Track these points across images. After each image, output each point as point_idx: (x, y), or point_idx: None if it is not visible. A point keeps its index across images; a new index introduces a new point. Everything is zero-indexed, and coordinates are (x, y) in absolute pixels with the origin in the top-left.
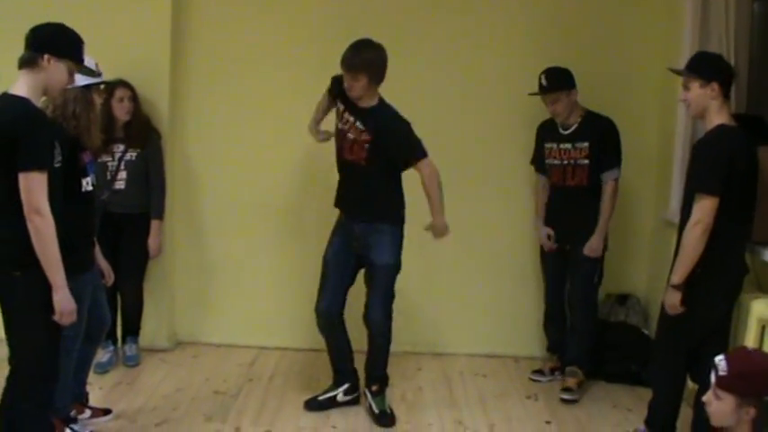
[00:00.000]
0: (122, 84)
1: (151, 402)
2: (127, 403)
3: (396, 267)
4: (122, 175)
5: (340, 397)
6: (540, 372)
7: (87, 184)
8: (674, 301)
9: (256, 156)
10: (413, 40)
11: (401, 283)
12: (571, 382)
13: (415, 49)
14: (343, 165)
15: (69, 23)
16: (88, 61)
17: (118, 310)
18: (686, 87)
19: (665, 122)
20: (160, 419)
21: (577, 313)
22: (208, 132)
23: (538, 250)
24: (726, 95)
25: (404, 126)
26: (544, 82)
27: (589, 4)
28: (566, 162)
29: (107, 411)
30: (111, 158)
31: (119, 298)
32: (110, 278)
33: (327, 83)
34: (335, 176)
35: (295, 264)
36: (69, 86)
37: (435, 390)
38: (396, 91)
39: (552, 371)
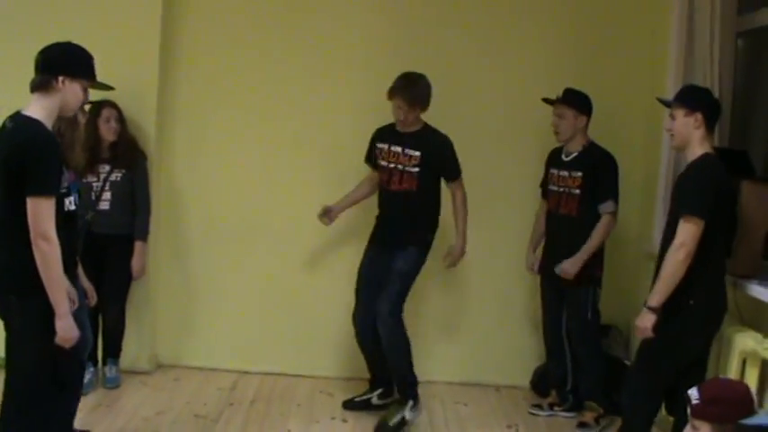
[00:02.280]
0: (109, 104)
1: (131, 425)
2: (106, 426)
3: (412, 276)
4: (107, 195)
5: (374, 400)
6: (539, 406)
7: (70, 203)
8: (647, 323)
9: (241, 179)
10: (410, 56)
11: None
12: (588, 416)
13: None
14: (388, 197)
15: (56, 40)
16: None
17: (99, 331)
18: (672, 117)
19: (649, 156)
20: None
21: (579, 350)
22: (194, 154)
23: (523, 278)
24: (710, 128)
25: (449, 143)
26: (560, 94)
27: (574, 37)
28: (561, 189)
29: None
30: (96, 179)
31: (100, 319)
32: (92, 299)
33: (316, 103)
34: (323, 200)
35: (278, 288)
36: (82, 106)
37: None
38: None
39: (551, 406)
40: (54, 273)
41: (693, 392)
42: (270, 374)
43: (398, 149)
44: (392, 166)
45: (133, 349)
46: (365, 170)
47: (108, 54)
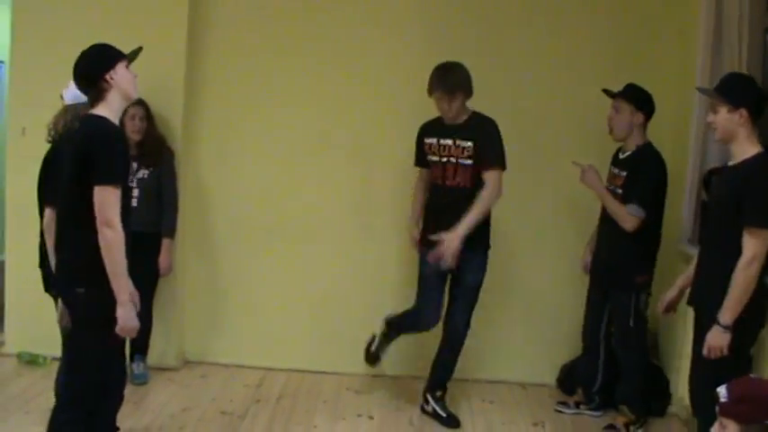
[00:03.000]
0: (136, 101)
1: (158, 421)
2: (134, 422)
3: (480, 286)
4: (135, 193)
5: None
6: (564, 404)
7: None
8: (722, 342)
9: (267, 176)
10: (438, 56)
11: (410, 306)
12: (619, 420)
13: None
14: (443, 193)
15: (85, 44)
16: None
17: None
18: (714, 110)
19: (677, 152)
20: None
21: (620, 355)
22: (221, 152)
23: (551, 275)
24: (756, 121)
25: (496, 130)
26: (620, 87)
27: (604, 36)
28: (611, 188)
29: (115, 429)
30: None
31: None
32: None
33: (341, 102)
34: (348, 199)
35: (304, 285)
36: (135, 80)
37: None
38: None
39: (577, 404)
40: (117, 260)
41: (722, 390)
42: (296, 371)
43: (449, 142)
44: (444, 160)
45: (160, 346)
46: (390, 169)
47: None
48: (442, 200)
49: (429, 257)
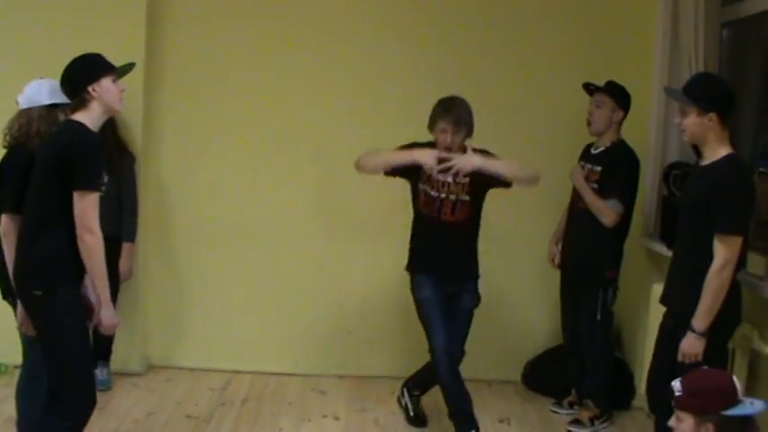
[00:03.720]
0: None
1: (123, 427)
2: (98, 428)
3: (478, 304)
4: None
5: None
6: (559, 404)
7: None
8: (697, 350)
9: (230, 178)
10: (398, 54)
11: (375, 308)
12: (584, 415)
13: (405, 64)
14: (437, 228)
15: (42, 45)
16: (44, 84)
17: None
18: (683, 113)
19: (636, 147)
20: None
21: (587, 350)
22: (181, 155)
23: (514, 273)
24: (726, 123)
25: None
26: (602, 83)
27: (561, 30)
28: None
29: None
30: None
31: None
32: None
33: (303, 101)
34: (312, 199)
35: (268, 287)
36: (121, 94)
37: None
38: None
39: (571, 404)
40: (99, 264)
41: (677, 384)
42: (261, 373)
43: (449, 179)
44: (443, 196)
45: (124, 351)
46: (353, 169)
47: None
48: (440, 241)
49: (439, 168)
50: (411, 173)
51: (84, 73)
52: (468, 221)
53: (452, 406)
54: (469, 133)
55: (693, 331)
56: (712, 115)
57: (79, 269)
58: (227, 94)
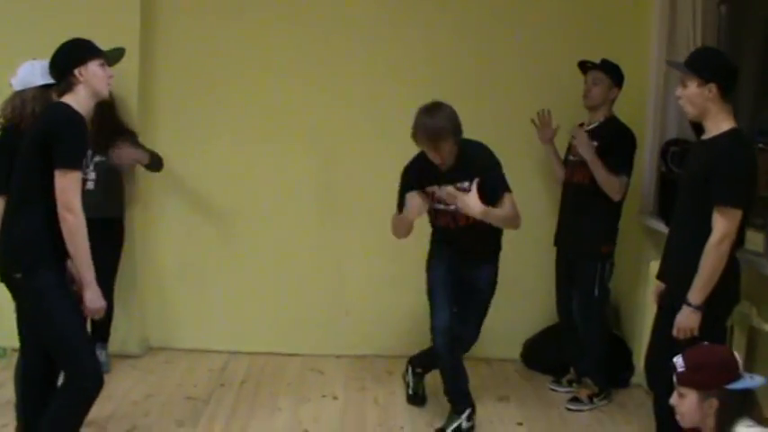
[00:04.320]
0: None
1: (122, 409)
2: (97, 410)
3: (494, 290)
4: (91, 176)
5: (464, 424)
6: (558, 382)
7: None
8: (693, 324)
9: (231, 159)
10: (395, 39)
11: (373, 288)
12: (582, 393)
13: (404, 58)
14: (458, 233)
15: (37, 28)
16: (36, 65)
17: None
18: (683, 84)
19: (634, 124)
20: (130, 426)
21: (581, 326)
22: (180, 135)
23: (514, 251)
24: (727, 97)
25: (490, 155)
26: (598, 60)
27: (557, 7)
28: (576, 159)
29: None
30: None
31: None
32: (80, 285)
33: (301, 85)
34: (310, 181)
35: (266, 268)
36: (110, 78)
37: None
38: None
39: (569, 382)
40: (80, 244)
41: (678, 360)
42: (260, 354)
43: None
44: (453, 208)
45: (122, 333)
46: (353, 151)
47: (88, 34)
48: (459, 239)
49: (440, 192)
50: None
51: (70, 56)
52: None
53: (448, 384)
54: (457, 135)
55: (689, 305)
56: (712, 86)
57: (61, 250)
58: (224, 78)
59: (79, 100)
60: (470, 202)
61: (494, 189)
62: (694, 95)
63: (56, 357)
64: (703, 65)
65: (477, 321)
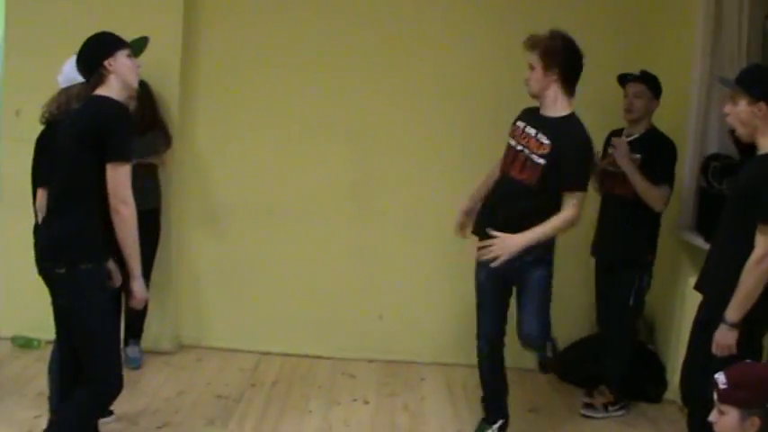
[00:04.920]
0: None
1: (153, 405)
2: (128, 405)
3: (551, 278)
4: None
5: None
6: (591, 395)
7: None
8: (731, 341)
9: (267, 159)
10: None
11: (407, 292)
12: (597, 400)
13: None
14: (504, 183)
15: (80, 27)
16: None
17: (122, 311)
18: (733, 101)
19: (675, 138)
20: (161, 422)
21: (612, 333)
22: (218, 134)
23: (556, 260)
24: None
25: (586, 146)
26: (638, 72)
27: (602, 17)
28: (619, 170)
29: (109, 413)
30: None
31: (123, 299)
32: (117, 280)
33: (339, 82)
34: (347, 181)
35: (300, 269)
36: (138, 68)
37: (438, 400)
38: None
39: (605, 407)
40: (133, 236)
41: (720, 377)
42: (291, 356)
43: (532, 132)
44: (519, 148)
45: (155, 330)
46: (389, 152)
47: (132, 33)
48: (501, 190)
49: (478, 253)
50: None
51: (98, 50)
52: (538, 186)
53: (486, 392)
54: (566, 78)
55: (726, 322)
56: (762, 105)
57: (103, 245)
58: (263, 75)
59: (113, 92)
60: (502, 244)
61: (569, 175)
62: (744, 113)
63: (83, 355)
64: (754, 82)
65: (536, 311)
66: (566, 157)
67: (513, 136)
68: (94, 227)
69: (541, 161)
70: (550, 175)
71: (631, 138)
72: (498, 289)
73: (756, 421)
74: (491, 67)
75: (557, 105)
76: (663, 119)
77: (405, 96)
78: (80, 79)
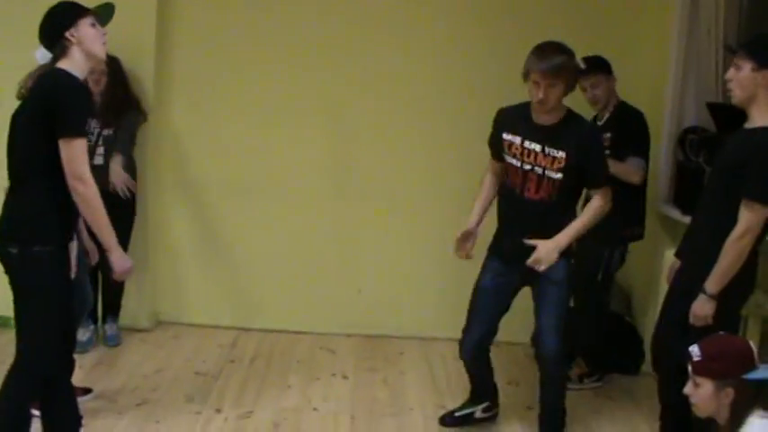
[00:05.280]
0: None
1: (131, 383)
2: (106, 383)
3: (571, 285)
4: (100, 150)
5: (478, 414)
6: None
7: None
8: (708, 311)
9: (244, 135)
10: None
11: (387, 267)
12: (572, 372)
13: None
14: (521, 207)
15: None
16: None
17: (99, 289)
18: (737, 66)
19: (653, 111)
20: (140, 400)
21: (579, 304)
22: (195, 111)
23: None
24: None
25: (601, 139)
26: (582, 65)
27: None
28: None
29: (87, 390)
30: (90, 133)
31: (99, 277)
32: (94, 257)
33: (320, 64)
34: (324, 158)
35: (278, 244)
36: (103, 38)
37: (418, 374)
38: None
39: (580, 378)
40: (97, 211)
41: (695, 349)
42: (270, 331)
43: (536, 147)
44: (528, 168)
45: (133, 307)
46: (367, 129)
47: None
48: (520, 215)
49: (530, 262)
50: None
51: (59, 20)
52: (557, 197)
53: (471, 379)
54: (570, 86)
55: (705, 293)
56: (766, 72)
57: (62, 227)
58: (242, 55)
59: (75, 64)
60: (547, 251)
61: (594, 174)
62: (746, 79)
63: (20, 333)
64: (761, 49)
65: (555, 324)
66: (587, 161)
67: (512, 154)
68: (51, 208)
69: (559, 175)
70: (568, 182)
71: (604, 119)
72: (502, 289)
73: (731, 392)
74: (468, 51)
75: (561, 110)
76: (641, 93)
77: (382, 76)
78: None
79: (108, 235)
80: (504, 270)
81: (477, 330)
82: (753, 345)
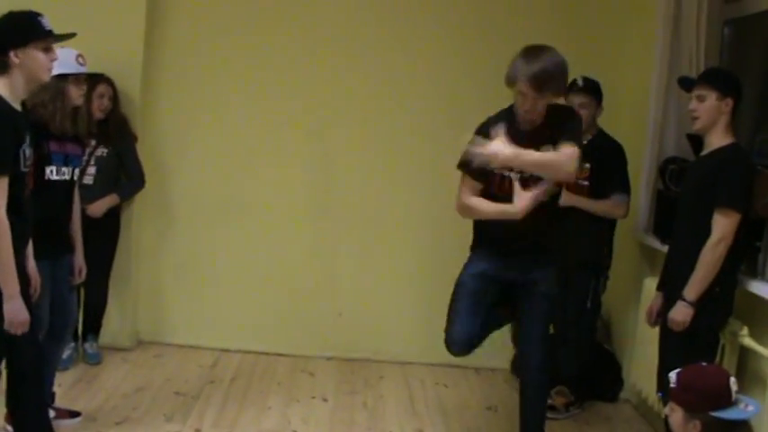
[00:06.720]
0: (106, 80)
1: (111, 401)
2: (86, 402)
3: (554, 307)
4: (91, 170)
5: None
6: (553, 408)
7: (51, 173)
8: (686, 318)
9: (226, 155)
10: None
11: (367, 290)
12: (558, 401)
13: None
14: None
15: (46, 11)
16: (67, 54)
17: (80, 306)
18: (700, 99)
19: (633, 141)
20: (120, 419)
21: (570, 335)
22: (178, 132)
23: None
24: (735, 112)
25: (578, 120)
26: (580, 82)
27: (563, 20)
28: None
29: (74, 414)
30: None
31: (82, 294)
32: (81, 277)
33: (303, 80)
34: (305, 180)
35: (259, 266)
36: (54, 63)
37: (397, 398)
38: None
39: (566, 407)
40: (3, 253)
41: (673, 376)
42: (250, 353)
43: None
44: (515, 175)
45: (114, 326)
46: (347, 149)
47: (94, 28)
48: (511, 230)
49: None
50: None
51: (9, 35)
52: (542, 208)
53: None
54: (560, 91)
55: (683, 300)
56: (729, 100)
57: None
58: (227, 71)
59: (14, 85)
60: (494, 147)
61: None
62: (712, 108)
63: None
64: (722, 80)
65: (542, 336)
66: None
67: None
68: None
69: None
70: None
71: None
72: (486, 290)
73: (698, 425)
74: (449, 77)
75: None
76: (622, 122)
77: (365, 94)
78: (55, 71)
79: (9, 280)
80: (490, 271)
81: (455, 330)
82: (733, 381)
